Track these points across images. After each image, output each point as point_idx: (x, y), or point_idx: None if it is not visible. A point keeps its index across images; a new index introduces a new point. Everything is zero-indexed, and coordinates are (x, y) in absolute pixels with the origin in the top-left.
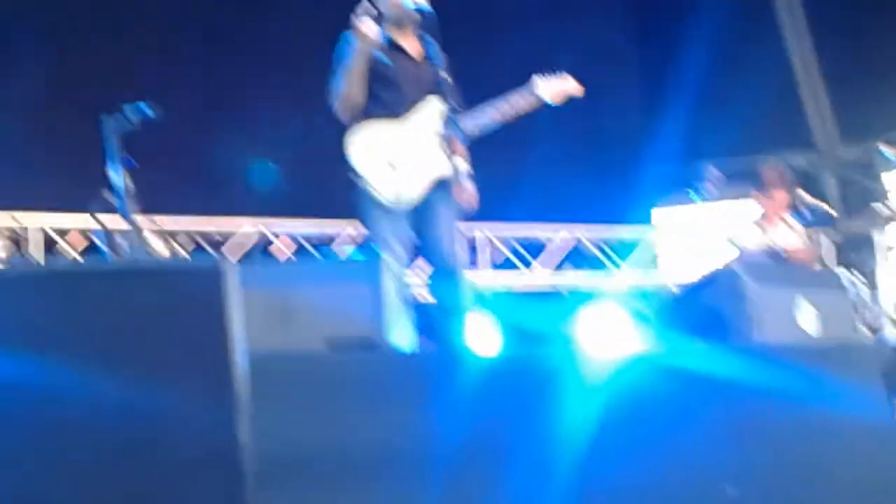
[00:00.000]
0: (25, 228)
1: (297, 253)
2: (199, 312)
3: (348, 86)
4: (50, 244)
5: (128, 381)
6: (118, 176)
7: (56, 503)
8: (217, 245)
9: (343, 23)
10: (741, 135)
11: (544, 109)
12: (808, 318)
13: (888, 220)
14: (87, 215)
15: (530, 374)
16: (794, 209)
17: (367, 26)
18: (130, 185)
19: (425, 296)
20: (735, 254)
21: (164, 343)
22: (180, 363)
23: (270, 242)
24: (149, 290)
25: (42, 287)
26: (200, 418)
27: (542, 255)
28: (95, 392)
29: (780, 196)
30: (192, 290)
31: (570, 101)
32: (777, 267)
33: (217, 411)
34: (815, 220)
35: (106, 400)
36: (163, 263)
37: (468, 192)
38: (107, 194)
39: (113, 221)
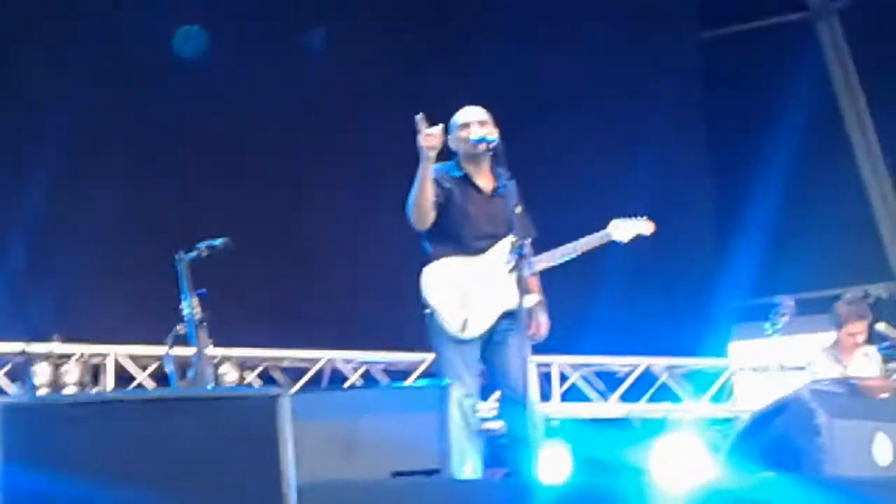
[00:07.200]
0: (104, 356)
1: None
2: (251, 441)
3: (419, 193)
4: (124, 375)
5: None
6: (190, 308)
7: None
8: (294, 377)
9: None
10: (818, 267)
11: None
12: (884, 452)
13: None
14: (163, 346)
15: (601, 502)
16: (874, 341)
17: (426, 134)
18: (203, 316)
19: (496, 427)
20: (809, 383)
21: (215, 472)
22: (233, 490)
23: (346, 377)
24: (200, 419)
25: (91, 416)
26: None
27: (617, 387)
28: None
29: (856, 329)
30: (244, 419)
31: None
32: (852, 398)
33: None
34: (893, 353)
35: None
36: (215, 392)
37: (540, 324)
38: (180, 327)
39: (186, 352)
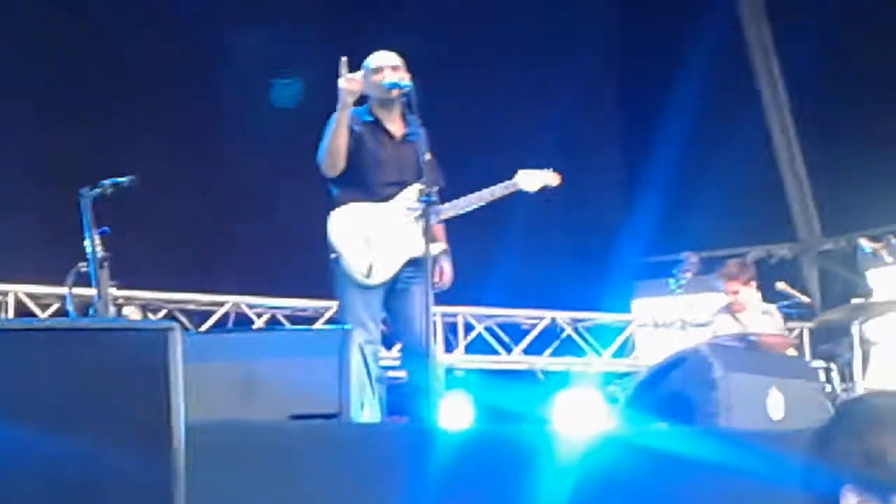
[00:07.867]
0: (4, 294)
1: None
2: (141, 375)
3: (333, 138)
4: (25, 313)
5: (64, 441)
6: (93, 247)
7: None
8: (199, 321)
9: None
10: (724, 226)
11: (525, 196)
12: (777, 406)
13: (869, 315)
14: (64, 287)
15: (500, 449)
16: (775, 300)
17: (347, 78)
18: (105, 255)
19: (399, 375)
20: (707, 339)
21: (104, 405)
22: (119, 425)
23: (251, 320)
24: (89, 350)
25: None
26: (136, 483)
27: (521, 340)
28: (31, 451)
29: (729, 288)
30: (134, 351)
31: (551, 189)
32: (747, 353)
33: (153, 477)
34: (794, 311)
35: (42, 459)
36: (105, 323)
37: (444, 272)
38: (82, 265)
39: (89, 293)
